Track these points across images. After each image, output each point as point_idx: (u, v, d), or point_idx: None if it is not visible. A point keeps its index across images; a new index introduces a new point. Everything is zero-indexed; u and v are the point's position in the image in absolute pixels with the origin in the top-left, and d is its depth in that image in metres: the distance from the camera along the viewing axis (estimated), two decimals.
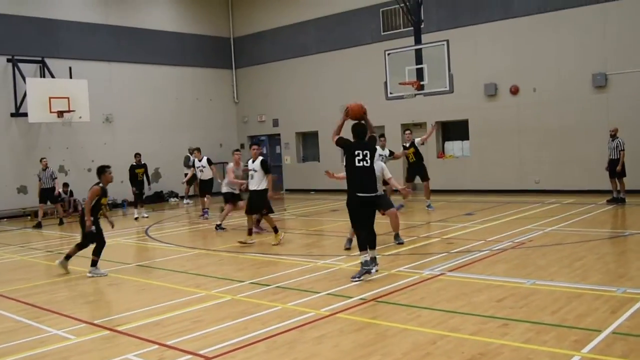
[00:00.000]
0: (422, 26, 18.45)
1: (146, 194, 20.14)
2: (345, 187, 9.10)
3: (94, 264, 10.23)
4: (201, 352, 5.94)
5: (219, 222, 15.21)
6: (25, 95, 20.34)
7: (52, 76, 21.47)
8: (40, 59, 21.70)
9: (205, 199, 18.36)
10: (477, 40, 20.83)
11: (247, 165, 13.07)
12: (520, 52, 20.03)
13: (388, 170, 11.24)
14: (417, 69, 16.24)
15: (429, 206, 16.45)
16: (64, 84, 21.07)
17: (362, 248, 8.82)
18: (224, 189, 15.30)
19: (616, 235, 11.89)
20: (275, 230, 12.34)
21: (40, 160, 18.87)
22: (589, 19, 18.76)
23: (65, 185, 21.06)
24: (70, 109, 20.48)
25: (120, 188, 20.92)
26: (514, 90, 20.28)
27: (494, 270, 8.90)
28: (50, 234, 16.75)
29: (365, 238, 8.87)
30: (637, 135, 17.42)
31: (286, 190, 26.72)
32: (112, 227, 11.31)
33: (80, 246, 10.47)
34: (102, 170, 10.52)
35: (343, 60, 24.53)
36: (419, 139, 16.64)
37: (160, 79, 25.63)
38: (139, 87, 24.79)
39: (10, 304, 8.46)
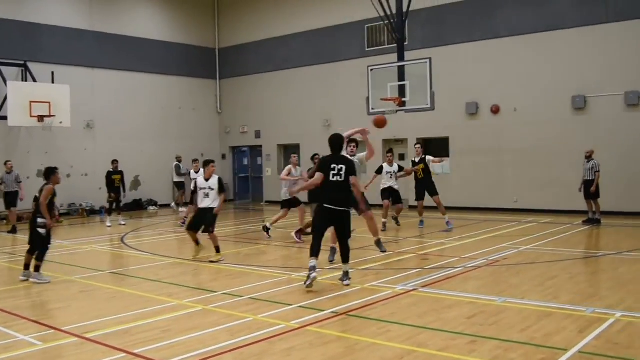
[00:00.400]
0: (406, 43, 18.60)
1: (123, 201, 20.03)
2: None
3: (37, 269, 10.13)
4: None
5: (268, 225, 15.21)
6: (5, 98, 20.19)
7: (34, 80, 21.34)
8: (22, 62, 21.58)
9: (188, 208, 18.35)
10: (460, 59, 21.02)
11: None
12: (502, 72, 20.25)
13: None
14: (400, 86, 16.33)
15: (447, 223, 15.63)
16: (45, 88, 20.96)
17: (312, 254, 8.96)
18: (284, 197, 15.21)
19: (589, 255, 12.00)
20: (218, 250, 11.94)
21: (5, 163, 18.35)
22: (569, 42, 19.03)
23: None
24: (51, 114, 20.38)
25: (98, 195, 20.82)
26: (495, 110, 20.48)
27: (466, 287, 8.94)
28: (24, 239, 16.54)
29: (318, 246, 9.08)
30: (612, 157, 17.64)
31: (266, 201, 26.71)
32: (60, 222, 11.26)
33: (31, 251, 10.31)
34: (52, 172, 10.66)
35: (327, 74, 24.65)
36: (432, 158, 16.42)
37: (144, 87, 25.58)
38: (121, 94, 24.71)
39: None
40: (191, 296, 8.74)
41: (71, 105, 21.01)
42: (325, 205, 9.14)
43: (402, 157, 22.89)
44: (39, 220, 10.22)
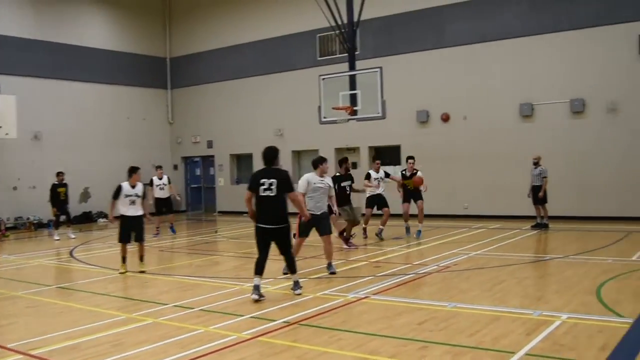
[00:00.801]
0: (357, 53, 18.79)
1: (71, 213, 19.68)
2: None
3: None
4: None
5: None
6: None
7: None
8: None
9: (157, 217, 18.24)
10: (410, 68, 21.30)
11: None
12: (452, 81, 20.59)
13: (300, 184, 10.74)
14: (351, 95, 16.44)
15: (419, 232, 15.63)
16: None
17: (255, 272, 8.86)
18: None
19: (537, 259, 12.24)
20: (141, 259, 11.91)
21: None
22: (516, 51, 19.49)
23: None
24: None
25: (47, 208, 20.32)
26: (445, 118, 20.80)
27: (417, 294, 9.03)
28: None
29: (261, 263, 8.92)
30: (559, 163, 18.08)
31: (219, 212, 26.54)
32: None
33: None
34: None
35: (279, 83, 24.69)
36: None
37: (93, 97, 25.18)
38: (70, 105, 24.27)
39: None
40: (141, 309, 8.61)
41: (17, 116, 20.50)
42: (259, 225, 8.88)
43: (355, 165, 23.01)
44: None
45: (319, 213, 10.69)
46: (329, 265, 10.98)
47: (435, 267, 11.20)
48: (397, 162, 22.04)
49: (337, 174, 14.58)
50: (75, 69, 24.55)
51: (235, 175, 26.79)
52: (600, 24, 18.26)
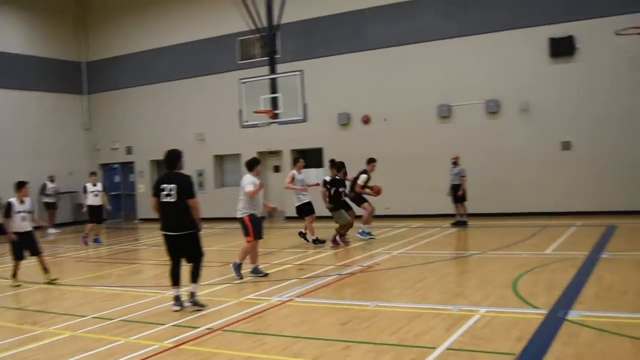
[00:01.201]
0: (277, 56, 18.80)
1: None
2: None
3: None
4: None
5: (314, 237, 14.66)
6: None
7: None
8: None
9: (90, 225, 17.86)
10: (331, 71, 21.44)
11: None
12: (372, 83, 20.85)
13: (249, 184, 10.63)
14: (272, 98, 16.45)
15: (362, 233, 15.40)
16: None
17: (172, 283, 8.62)
18: (298, 202, 14.83)
19: (457, 256, 12.54)
20: (45, 270, 11.65)
21: None
22: (433, 53, 19.93)
23: None
24: None
25: None
26: (366, 120, 21.05)
27: (340, 295, 9.10)
28: None
29: (174, 272, 8.65)
30: (477, 162, 18.58)
31: (140, 219, 25.98)
32: None
33: None
34: None
35: (200, 87, 24.39)
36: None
37: (2, 103, 24.16)
38: None
39: None
40: (58, 322, 8.32)
41: None
42: (163, 232, 8.58)
43: (277, 168, 23.02)
44: None
45: (259, 215, 10.82)
46: (256, 269, 10.93)
47: (359, 267, 11.30)
48: (319, 164, 22.14)
49: (337, 177, 14.46)
50: None
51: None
52: (513, 28, 18.91)
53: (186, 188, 8.43)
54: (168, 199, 8.39)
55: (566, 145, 18.32)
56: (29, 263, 14.25)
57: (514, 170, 18.84)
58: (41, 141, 25.35)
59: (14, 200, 11.57)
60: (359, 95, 21.12)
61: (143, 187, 26.12)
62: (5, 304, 10.02)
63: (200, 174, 24.41)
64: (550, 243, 12.91)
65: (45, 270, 11.65)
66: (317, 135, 21.51)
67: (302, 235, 15.08)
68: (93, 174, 18.79)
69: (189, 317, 8.11)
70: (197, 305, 8.53)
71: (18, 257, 11.57)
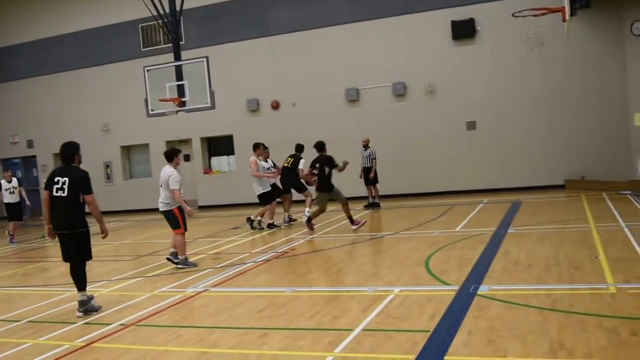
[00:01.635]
0: (182, 43, 18.41)
1: None
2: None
3: None
4: None
5: (270, 221, 14.49)
6: None
7: None
8: None
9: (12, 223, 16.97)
10: (237, 57, 21.22)
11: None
12: (279, 68, 20.79)
13: (175, 182, 10.35)
14: (178, 86, 16.07)
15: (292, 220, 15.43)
16: None
17: (78, 288, 7.98)
18: (260, 190, 14.38)
19: (371, 238, 12.68)
20: None
21: None
22: (340, 38, 20.05)
23: None
24: None
25: None
26: (275, 105, 20.99)
27: (256, 282, 9.04)
28: None
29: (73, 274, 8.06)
30: (386, 144, 18.87)
31: None
32: None
33: None
34: None
35: (103, 76, 23.63)
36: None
37: None
38: None
39: None
40: None
41: None
42: (54, 231, 7.98)
43: (187, 158, 22.61)
44: None
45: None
46: (185, 260, 10.74)
47: (274, 253, 11.27)
48: (230, 152, 21.93)
49: (324, 155, 14.00)
50: None
51: None
52: (417, 11, 19.28)
53: (79, 182, 7.81)
54: (60, 194, 7.77)
55: (471, 125, 18.89)
56: None
57: (423, 151, 19.28)
58: None
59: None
60: (267, 80, 21.02)
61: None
62: None
63: (107, 166, 23.71)
64: (460, 221, 13.29)
65: None
66: (227, 122, 21.28)
67: (251, 221, 14.92)
68: (6, 170, 17.85)
69: (100, 314, 7.84)
70: (90, 312, 7.89)
71: None
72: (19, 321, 7.94)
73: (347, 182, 19.20)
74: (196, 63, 16.25)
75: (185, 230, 10.68)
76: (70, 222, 7.86)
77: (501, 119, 18.58)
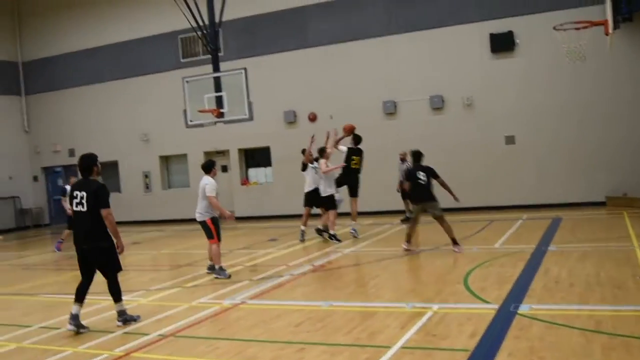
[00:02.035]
0: (221, 54, 18.59)
1: None
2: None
3: None
4: None
5: (332, 232, 14.32)
6: None
7: None
8: None
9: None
10: (275, 69, 21.34)
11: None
12: (317, 80, 20.85)
13: (212, 190, 10.58)
14: (217, 97, 16.21)
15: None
16: None
17: (75, 299, 7.88)
18: (328, 192, 14.61)
19: (408, 252, 12.58)
20: None
21: None
22: (377, 50, 20.06)
23: None
24: None
25: None
26: (312, 118, 21.02)
27: (293, 295, 9.03)
28: None
29: (80, 288, 7.98)
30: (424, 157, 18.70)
31: None
32: None
33: None
34: None
35: (142, 87, 23.97)
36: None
37: None
38: None
39: None
40: (3, 334, 8.02)
41: None
42: (75, 244, 7.93)
43: (224, 168, 22.78)
44: None
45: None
46: (216, 269, 10.85)
47: (310, 266, 11.25)
48: (267, 163, 22.04)
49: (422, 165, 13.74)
50: None
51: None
52: (454, 24, 19.18)
53: (95, 196, 7.67)
54: (80, 208, 7.72)
55: (510, 140, 18.67)
56: None
57: (460, 165, 19.06)
58: None
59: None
60: (305, 92, 21.08)
61: None
62: None
63: (146, 176, 24.01)
64: (499, 237, 13.12)
65: None
66: (264, 134, 21.39)
67: (320, 232, 14.82)
68: (73, 176, 18.17)
69: (139, 324, 7.93)
70: (129, 322, 7.99)
71: None
72: (59, 329, 8.07)
73: (384, 195, 19.20)
74: (235, 74, 16.38)
75: (219, 240, 10.76)
76: (98, 237, 7.77)
77: (540, 132, 18.32)
